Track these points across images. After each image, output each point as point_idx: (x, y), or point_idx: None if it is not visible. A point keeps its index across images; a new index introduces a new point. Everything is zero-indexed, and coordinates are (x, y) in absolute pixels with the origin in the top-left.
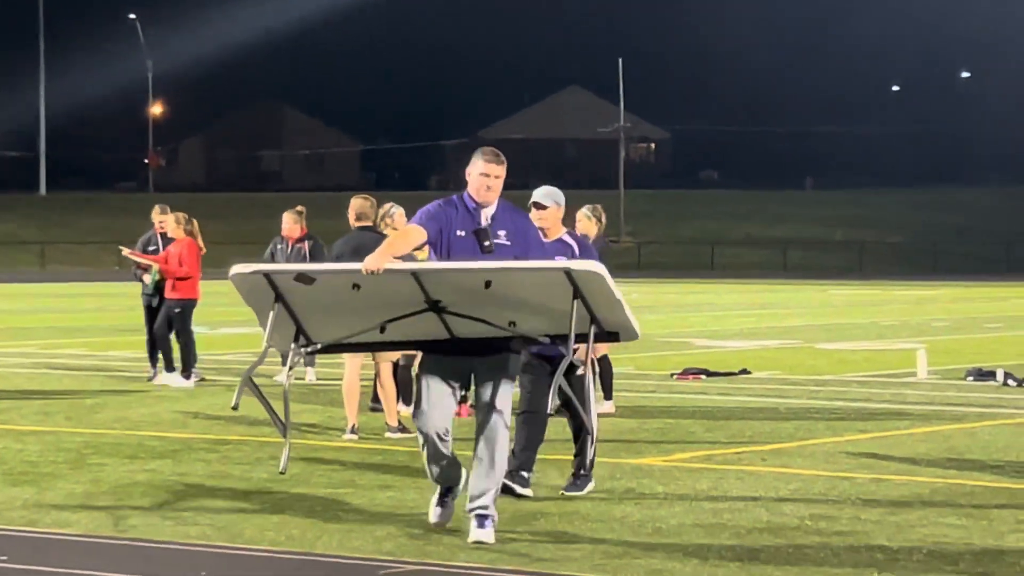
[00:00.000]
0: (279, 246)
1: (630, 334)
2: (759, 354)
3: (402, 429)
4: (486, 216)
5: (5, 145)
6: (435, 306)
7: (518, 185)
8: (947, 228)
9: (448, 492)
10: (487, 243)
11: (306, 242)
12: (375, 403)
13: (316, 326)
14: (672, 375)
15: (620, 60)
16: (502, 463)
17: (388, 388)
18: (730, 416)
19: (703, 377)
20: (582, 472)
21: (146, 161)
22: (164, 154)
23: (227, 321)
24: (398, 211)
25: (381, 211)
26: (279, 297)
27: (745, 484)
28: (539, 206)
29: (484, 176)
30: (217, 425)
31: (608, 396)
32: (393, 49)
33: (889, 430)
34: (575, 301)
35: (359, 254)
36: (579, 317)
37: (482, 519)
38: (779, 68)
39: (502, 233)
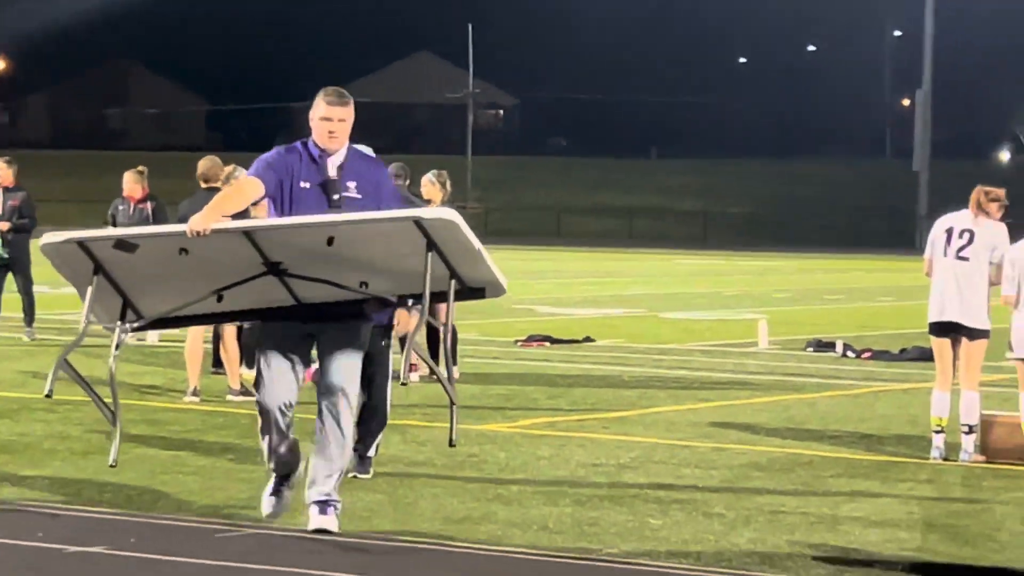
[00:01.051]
0: (120, 207)
1: (496, 289)
2: (603, 322)
3: (244, 392)
4: (333, 165)
5: None
6: (275, 269)
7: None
8: (792, 200)
9: (285, 480)
10: (335, 196)
11: (149, 203)
12: (217, 366)
13: (144, 298)
14: (516, 342)
15: (470, 26)
16: (347, 446)
17: (231, 350)
18: (573, 384)
19: (547, 344)
20: (369, 455)
21: None
22: (7, 110)
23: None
24: (243, 173)
25: (224, 172)
26: (99, 268)
27: (587, 451)
28: None
29: (326, 120)
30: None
31: (453, 361)
32: (242, 9)
33: (730, 399)
34: (429, 254)
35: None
36: (436, 275)
37: (323, 505)
38: (629, 38)
39: (352, 185)
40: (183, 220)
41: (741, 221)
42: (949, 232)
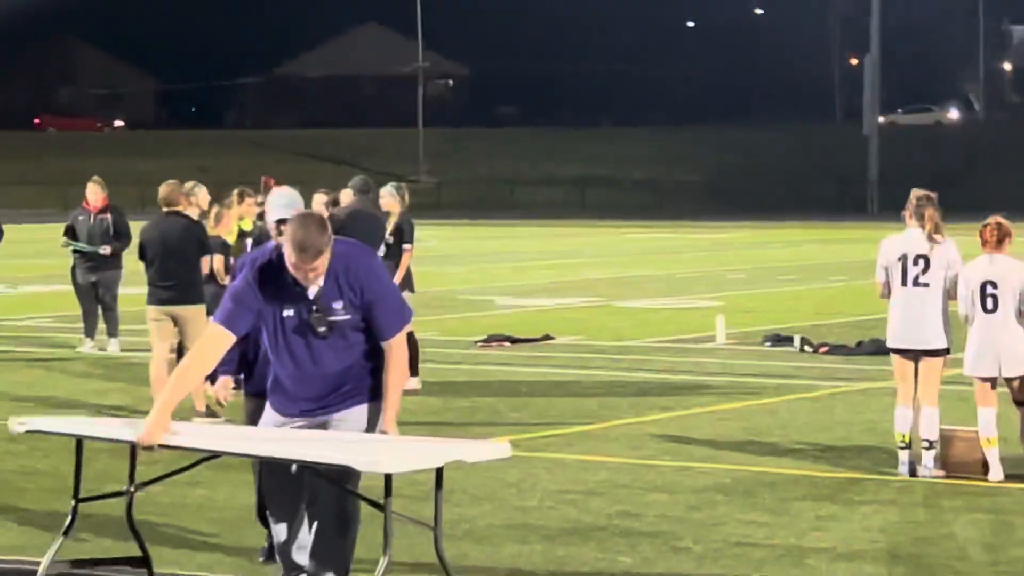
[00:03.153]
0: (80, 217)
1: None
2: (561, 315)
3: (210, 413)
4: (313, 290)
5: None
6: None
7: (317, 123)
8: (743, 167)
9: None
10: (321, 329)
11: (109, 213)
12: None
13: None
14: (476, 343)
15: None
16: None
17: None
18: (534, 392)
19: (507, 344)
20: None
21: None
22: None
23: (27, 277)
24: (201, 190)
25: (184, 188)
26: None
27: (553, 476)
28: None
29: (297, 269)
30: (23, 407)
31: (414, 373)
32: None
33: (691, 407)
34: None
35: (165, 243)
36: None
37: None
38: (577, 5)
39: (338, 306)
40: (144, 245)
41: (693, 190)
42: (903, 259)
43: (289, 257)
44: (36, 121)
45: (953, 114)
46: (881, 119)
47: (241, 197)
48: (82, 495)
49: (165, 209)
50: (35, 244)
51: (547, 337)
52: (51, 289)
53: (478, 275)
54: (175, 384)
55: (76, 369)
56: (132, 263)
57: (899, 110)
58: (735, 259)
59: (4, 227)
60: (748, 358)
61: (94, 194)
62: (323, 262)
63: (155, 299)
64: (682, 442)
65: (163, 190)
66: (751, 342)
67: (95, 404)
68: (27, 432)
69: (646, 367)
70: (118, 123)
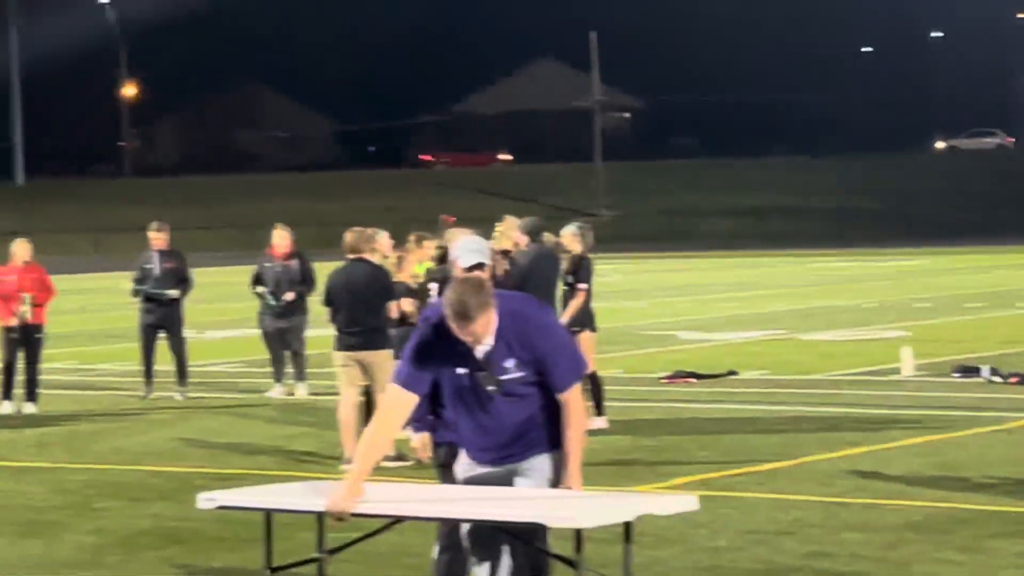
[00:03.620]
0: (267, 264)
1: None
2: (746, 348)
3: (399, 456)
4: (481, 352)
5: None
6: None
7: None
8: (921, 192)
9: None
10: (491, 388)
11: (295, 260)
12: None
13: None
14: (660, 379)
15: (594, 34)
16: None
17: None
18: (722, 430)
19: (692, 380)
20: None
21: (122, 144)
22: (139, 135)
23: (214, 321)
24: (382, 235)
25: (365, 235)
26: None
27: (743, 516)
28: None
29: (459, 333)
30: (214, 454)
31: (600, 412)
32: (365, 27)
33: (880, 442)
34: None
35: (351, 290)
36: None
37: None
38: (751, 35)
39: (509, 364)
40: (331, 291)
41: (874, 216)
42: None
43: (448, 321)
44: (426, 157)
45: None
46: None
47: (419, 241)
48: (274, 563)
49: (350, 256)
50: (219, 288)
51: (732, 372)
52: (239, 334)
53: (660, 309)
54: (365, 453)
55: (265, 414)
56: (318, 307)
57: None
58: (920, 287)
59: (192, 270)
60: (936, 390)
61: (280, 240)
62: (484, 325)
63: (343, 345)
64: (872, 478)
65: (348, 237)
66: (939, 373)
67: (285, 450)
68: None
69: (833, 401)
70: (502, 156)
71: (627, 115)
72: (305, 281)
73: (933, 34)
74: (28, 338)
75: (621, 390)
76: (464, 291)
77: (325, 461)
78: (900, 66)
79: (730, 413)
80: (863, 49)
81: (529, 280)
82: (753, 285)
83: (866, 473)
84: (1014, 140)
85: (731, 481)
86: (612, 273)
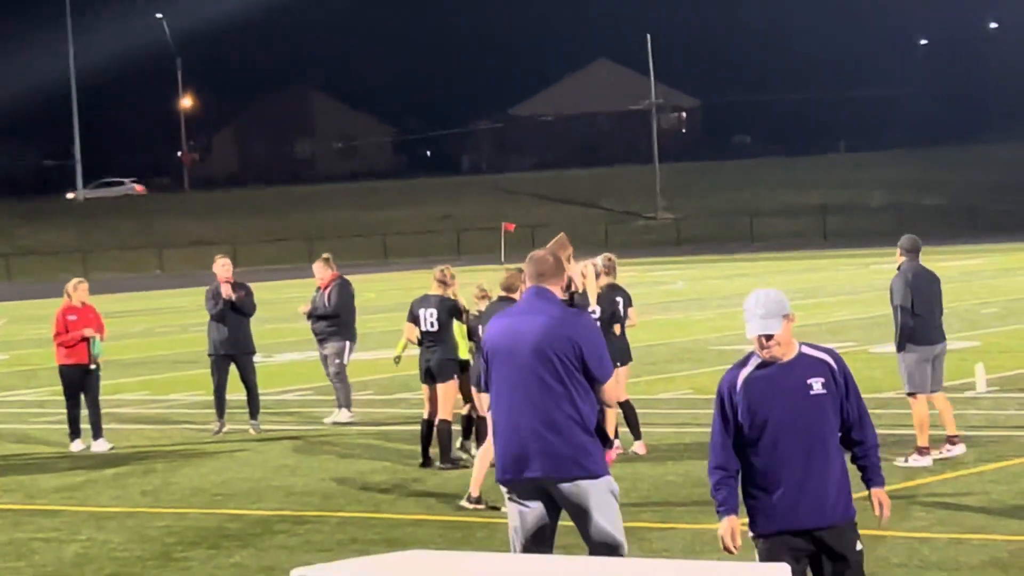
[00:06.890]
0: (315, 296)
1: None
2: None
3: (479, 500)
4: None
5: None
6: None
7: (552, 164)
8: (983, 186)
9: None
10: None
11: (331, 286)
12: (443, 461)
13: None
14: None
15: (648, 36)
16: None
17: (484, 456)
18: None
19: None
20: None
21: (179, 154)
22: (197, 148)
23: (280, 344)
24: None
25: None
26: None
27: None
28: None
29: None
30: (292, 497)
31: (637, 436)
32: (418, 31)
33: (958, 468)
34: None
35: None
36: None
37: None
38: (803, 32)
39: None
40: (477, 327)
41: (938, 212)
42: None
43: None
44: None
45: None
46: None
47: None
48: None
49: (505, 293)
50: (283, 305)
51: None
52: (304, 357)
53: (726, 321)
54: None
55: (340, 444)
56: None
57: None
58: (986, 291)
59: (252, 286)
60: (1012, 407)
61: (320, 271)
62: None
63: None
64: (953, 508)
65: (507, 278)
66: (1013, 388)
67: (361, 483)
68: None
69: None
70: None
71: (683, 115)
72: (333, 308)
73: (991, 25)
74: (89, 378)
75: (690, 413)
76: None
77: (405, 499)
78: (957, 57)
79: None
80: (920, 42)
81: None
82: (816, 291)
83: (945, 504)
84: None
85: None
86: (675, 280)
